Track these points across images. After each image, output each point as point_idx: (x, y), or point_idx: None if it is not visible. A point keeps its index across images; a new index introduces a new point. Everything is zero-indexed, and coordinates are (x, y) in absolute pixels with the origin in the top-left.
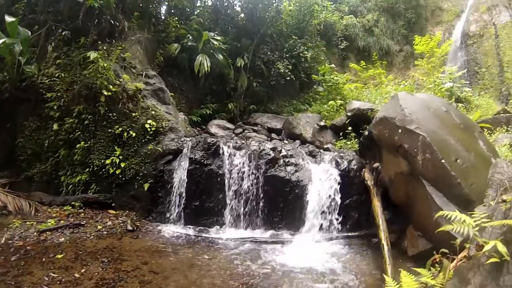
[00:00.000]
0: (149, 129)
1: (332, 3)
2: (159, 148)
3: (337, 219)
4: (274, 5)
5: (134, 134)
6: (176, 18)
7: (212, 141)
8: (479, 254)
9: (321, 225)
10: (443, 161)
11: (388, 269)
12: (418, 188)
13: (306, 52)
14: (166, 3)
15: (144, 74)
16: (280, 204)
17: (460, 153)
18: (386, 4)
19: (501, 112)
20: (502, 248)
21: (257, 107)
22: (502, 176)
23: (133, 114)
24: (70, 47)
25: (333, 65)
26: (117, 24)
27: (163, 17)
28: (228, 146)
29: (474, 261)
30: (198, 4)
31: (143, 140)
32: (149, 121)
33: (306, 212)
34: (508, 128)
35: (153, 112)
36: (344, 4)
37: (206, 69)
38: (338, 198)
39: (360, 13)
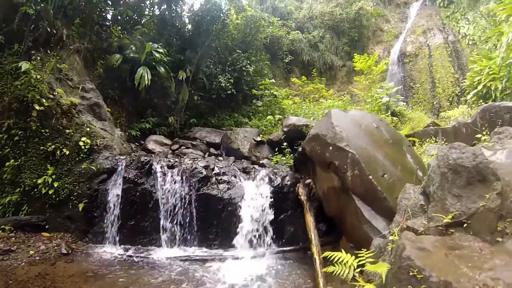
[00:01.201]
0: (83, 147)
1: (279, 19)
2: (93, 167)
3: (271, 234)
4: (221, 18)
5: (67, 152)
6: (120, 28)
7: (146, 159)
8: None
9: (256, 241)
10: (370, 177)
11: (320, 282)
12: (348, 202)
13: (248, 66)
14: (112, 10)
15: (81, 87)
16: (214, 222)
17: (387, 168)
18: (332, 22)
19: (431, 124)
20: None
21: (198, 120)
22: (408, 201)
23: (67, 130)
24: (3, 54)
25: (273, 80)
26: (55, 31)
27: (107, 24)
28: (161, 166)
29: None
30: (146, 12)
31: (77, 159)
32: (83, 138)
33: (240, 229)
34: (436, 140)
35: (88, 129)
36: (291, 20)
37: (147, 82)
38: (271, 214)
39: (307, 29)
